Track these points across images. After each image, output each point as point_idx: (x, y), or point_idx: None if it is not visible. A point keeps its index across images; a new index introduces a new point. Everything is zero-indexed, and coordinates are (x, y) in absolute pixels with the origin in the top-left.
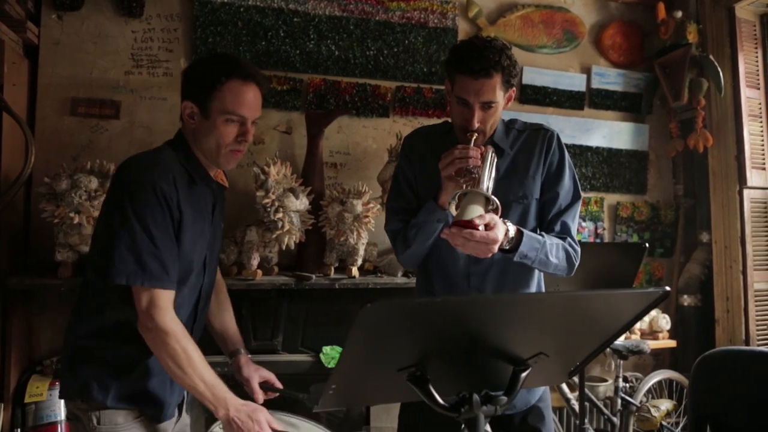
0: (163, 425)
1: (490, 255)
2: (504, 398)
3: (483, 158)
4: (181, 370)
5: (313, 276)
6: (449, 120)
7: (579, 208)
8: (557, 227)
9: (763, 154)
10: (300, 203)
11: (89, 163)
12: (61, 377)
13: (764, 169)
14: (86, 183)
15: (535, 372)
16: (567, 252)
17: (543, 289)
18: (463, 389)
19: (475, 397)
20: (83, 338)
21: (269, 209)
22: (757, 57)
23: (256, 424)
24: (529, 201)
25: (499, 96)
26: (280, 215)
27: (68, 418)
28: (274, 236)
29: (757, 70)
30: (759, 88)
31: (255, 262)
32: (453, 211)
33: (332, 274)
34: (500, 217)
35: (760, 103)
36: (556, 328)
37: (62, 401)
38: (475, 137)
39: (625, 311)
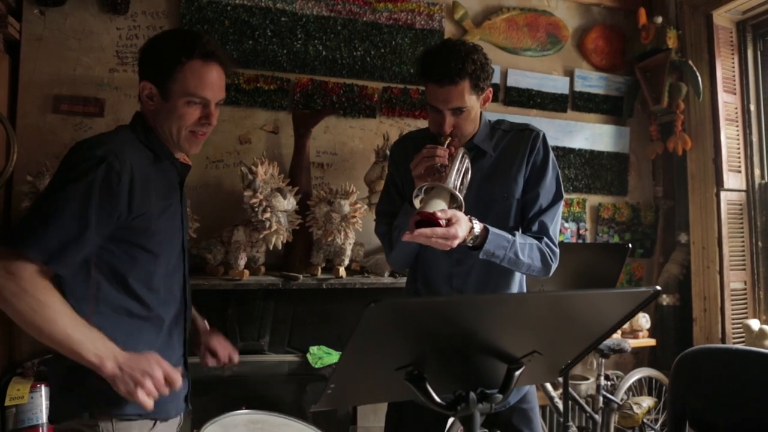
0: (170, 423)
1: (448, 248)
2: (499, 396)
3: (452, 157)
4: (47, 323)
5: (300, 276)
6: None
7: (560, 209)
8: (535, 227)
9: (739, 158)
10: (287, 203)
11: None
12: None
13: (740, 172)
14: None
15: (528, 370)
16: (542, 252)
17: (524, 291)
18: (459, 387)
19: (471, 395)
20: None
21: (257, 209)
22: (733, 63)
23: (145, 364)
24: (510, 201)
25: (470, 100)
26: (267, 215)
27: None
28: (261, 236)
29: (734, 76)
30: (735, 93)
31: (242, 262)
32: (417, 204)
33: (319, 274)
34: (479, 216)
35: (736, 108)
36: (549, 327)
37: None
38: (449, 140)
39: (616, 310)
